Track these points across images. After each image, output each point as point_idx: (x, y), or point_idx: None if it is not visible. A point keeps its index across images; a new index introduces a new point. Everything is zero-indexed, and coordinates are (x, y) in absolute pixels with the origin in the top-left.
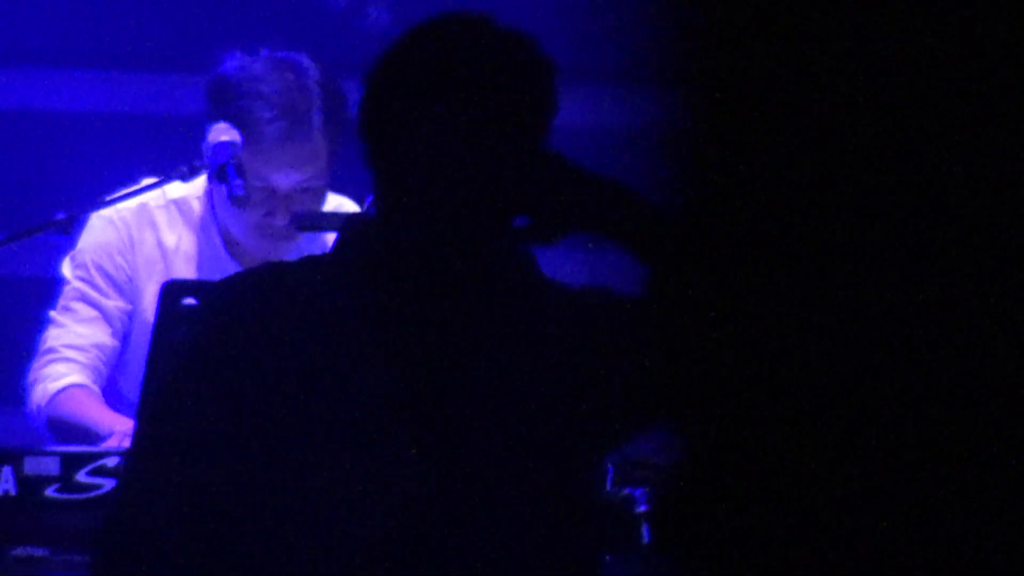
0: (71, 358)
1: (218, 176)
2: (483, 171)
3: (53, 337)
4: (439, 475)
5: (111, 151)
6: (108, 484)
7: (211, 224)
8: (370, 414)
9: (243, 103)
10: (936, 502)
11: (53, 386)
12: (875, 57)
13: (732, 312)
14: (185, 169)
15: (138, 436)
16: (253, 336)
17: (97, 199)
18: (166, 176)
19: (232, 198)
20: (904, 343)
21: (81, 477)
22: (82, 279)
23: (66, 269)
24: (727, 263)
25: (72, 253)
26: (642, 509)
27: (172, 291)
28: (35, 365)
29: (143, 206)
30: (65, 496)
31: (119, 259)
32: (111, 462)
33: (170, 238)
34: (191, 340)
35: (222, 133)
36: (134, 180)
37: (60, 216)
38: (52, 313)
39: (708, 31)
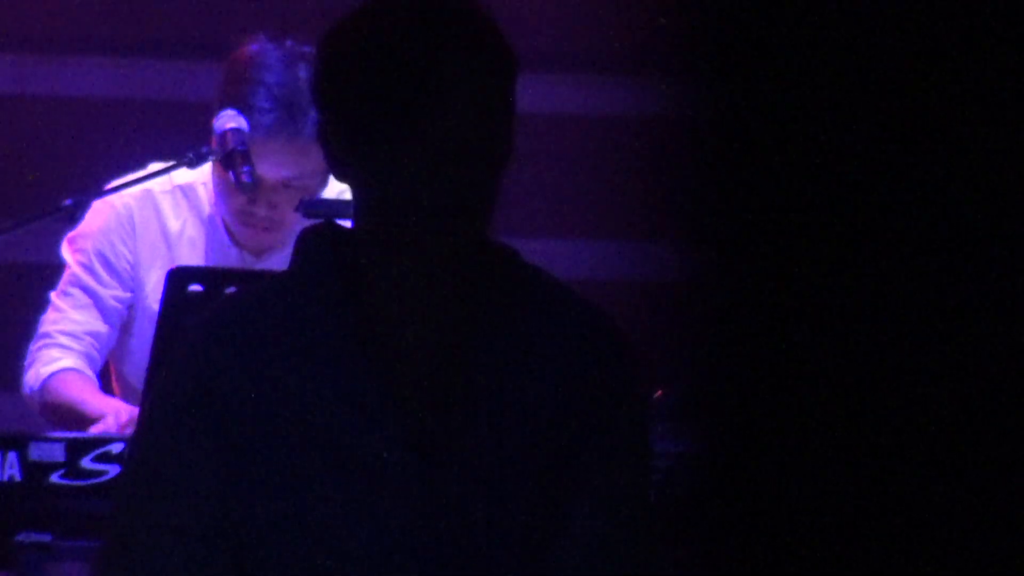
0: (64, 344)
1: (225, 163)
2: (467, 183)
3: (50, 321)
4: (443, 510)
5: (118, 138)
6: (113, 470)
7: (215, 210)
8: (368, 446)
9: (245, 87)
10: (945, 505)
11: (46, 370)
12: (894, 51)
13: (751, 304)
14: (191, 156)
15: (137, 437)
16: (242, 377)
17: (103, 186)
18: (173, 163)
19: (240, 185)
20: (916, 342)
21: (86, 463)
22: (81, 264)
23: (66, 252)
24: (745, 254)
25: (72, 235)
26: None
27: (178, 277)
28: (32, 347)
29: (147, 192)
30: (70, 482)
31: (120, 246)
32: (116, 448)
33: (174, 224)
34: (181, 386)
35: (230, 120)
36: (142, 167)
37: (67, 203)
38: (52, 295)
39: (723, 19)
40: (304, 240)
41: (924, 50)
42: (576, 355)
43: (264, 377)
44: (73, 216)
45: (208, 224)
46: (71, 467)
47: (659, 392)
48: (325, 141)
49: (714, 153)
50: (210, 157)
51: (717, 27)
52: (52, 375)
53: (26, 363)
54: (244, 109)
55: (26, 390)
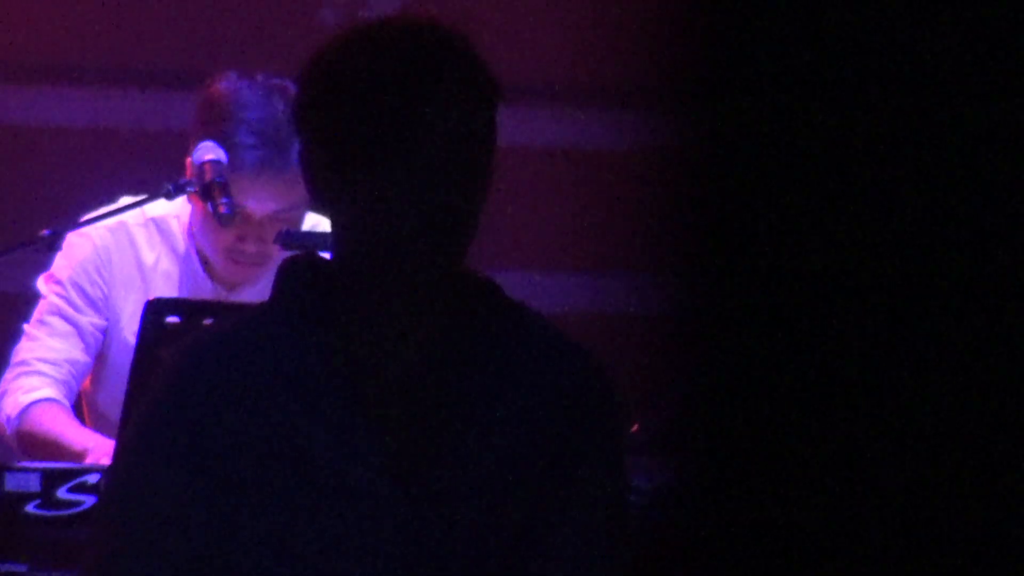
0: (43, 372)
1: (203, 195)
2: (449, 212)
3: (26, 350)
4: (424, 539)
5: (96, 168)
6: (89, 501)
7: (189, 243)
8: (350, 475)
9: (226, 125)
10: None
11: (24, 399)
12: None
13: (729, 338)
14: (170, 187)
15: (117, 468)
16: (223, 408)
17: (79, 219)
18: (150, 195)
19: (219, 217)
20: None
21: (62, 494)
22: (58, 295)
23: (41, 285)
24: (725, 288)
25: (49, 271)
26: None
27: (156, 309)
28: (6, 377)
29: (121, 224)
30: (45, 512)
31: (95, 276)
32: (92, 479)
33: (149, 256)
34: (159, 417)
35: (208, 152)
36: (118, 198)
37: (46, 233)
38: (26, 327)
39: (709, 54)
40: (284, 271)
41: (907, 89)
42: (555, 388)
43: (244, 407)
44: (51, 246)
45: (182, 257)
46: (46, 497)
47: (635, 426)
48: (306, 170)
49: (694, 188)
50: (189, 189)
51: (703, 62)
52: (31, 404)
53: (0, 391)
54: (227, 147)
55: (2, 419)
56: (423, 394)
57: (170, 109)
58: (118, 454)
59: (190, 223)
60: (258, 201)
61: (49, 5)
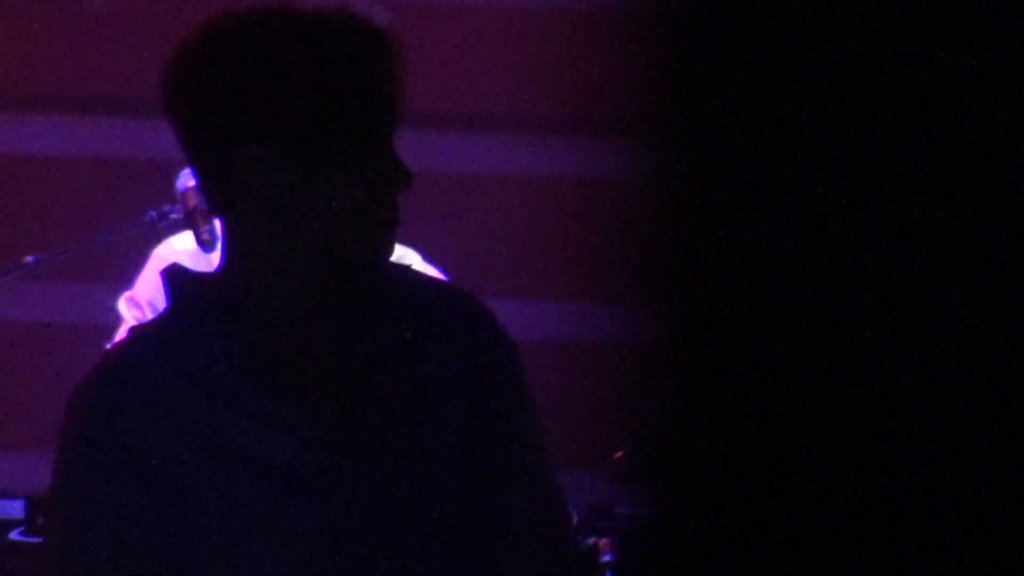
0: None
1: (186, 222)
2: (343, 196)
3: None
4: (369, 498)
5: (80, 196)
6: None
7: None
8: (284, 453)
9: None
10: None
11: None
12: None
13: (709, 366)
14: (153, 215)
15: (52, 490)
16: (141, 412)
17: (63, 244)
18: (133, 222)
19: (202, 244)
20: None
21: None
22: (139, 320)
23: (122, 306)
24: (704, 316)
25: (130, 294)
26: (607, 559)
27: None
28: None
29: (200, 251)
30: (29, 539)
31: None
32: None
33: None
34: (81, 433)
35: (191, 178)
36: (103, 225)
37: (29, 260)
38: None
39: (685, 82)
40: (169, 279)
41: (880, 117)
42: (452, 324)
43: (162, 409)
44: (34, 273)
45: None
46: (30, 524)
47: (619, 454)
48: (190, 152)
49: (669, 217)
50: (172, 216)
51: (679, 91)
52: None
53: None
54: None
55: None
56: (333, 362)
57: (154, 137)
58: (52, 479)
59: None
60: None
61: (19, 34)
